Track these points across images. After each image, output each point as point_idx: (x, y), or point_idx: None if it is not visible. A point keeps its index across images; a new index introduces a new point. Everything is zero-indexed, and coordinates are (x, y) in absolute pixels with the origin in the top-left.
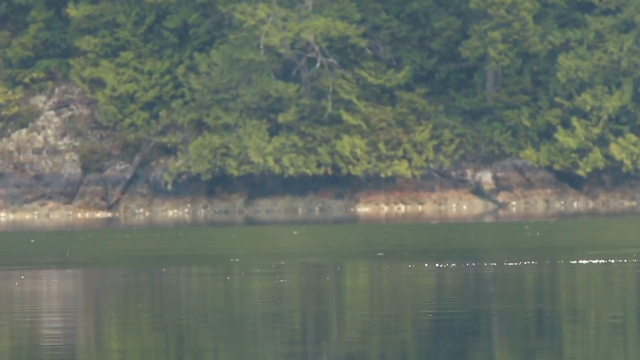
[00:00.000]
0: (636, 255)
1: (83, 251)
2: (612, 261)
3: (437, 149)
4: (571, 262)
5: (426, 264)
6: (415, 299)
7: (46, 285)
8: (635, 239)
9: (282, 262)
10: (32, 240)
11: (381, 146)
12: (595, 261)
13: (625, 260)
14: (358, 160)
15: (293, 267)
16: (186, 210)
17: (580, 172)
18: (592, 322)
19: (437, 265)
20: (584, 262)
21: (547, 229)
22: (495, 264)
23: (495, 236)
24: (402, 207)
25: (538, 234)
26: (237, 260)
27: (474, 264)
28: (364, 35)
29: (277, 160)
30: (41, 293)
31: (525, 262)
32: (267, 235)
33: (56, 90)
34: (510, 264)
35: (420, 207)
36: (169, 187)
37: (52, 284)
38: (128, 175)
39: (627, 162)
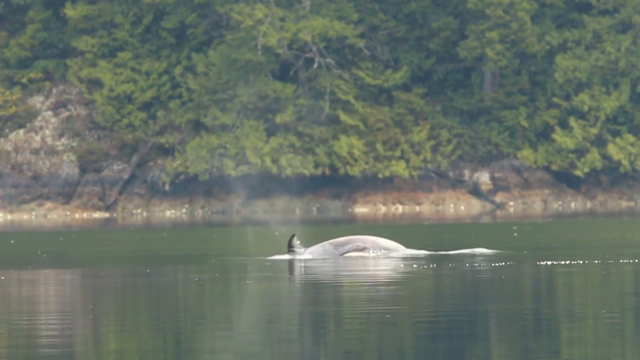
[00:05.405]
0: (610, 256)
1: (61, 252)
2: (580, 262)
3: (434, 150)
4: (539, 262)
5: (402, 265)
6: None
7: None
8: (619, 239)
9: (239, 262)
10: (12, 241)
11: (379, 146)
12: (564, 262)
13: (598, 261)
14: (356, 160)
15: (249, 268)
16: (184, 210)
17: (578, 173)
18: (546, 319)
19: (401, 265)
20: (552, 263)
21: (534, 229)
22: (475, 265)
23: (483, 237)
24: (400, 208)
25: (515, 234)
26: (212, 261)
27: (452, 265)
28: (362, 35)
29: (274, 161)
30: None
31: (503, 263)
32: (251, 235)
33: (54, 90)
34: (486, 264)
35: (417, 208)
36: (167, 187)
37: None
38: (126, 176)
39: (625, 162)
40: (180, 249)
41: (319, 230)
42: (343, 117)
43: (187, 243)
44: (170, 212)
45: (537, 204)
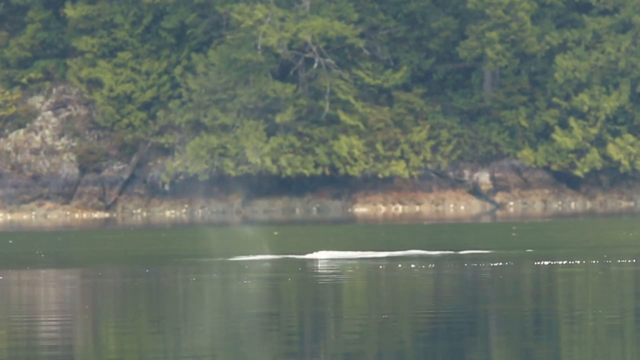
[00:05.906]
0: (609, 256)
1: (61, 252)
2: (579, 262)
3: (434, 150)
4: (537, 262)
5: (381, 266)
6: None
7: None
8: (619, 239)
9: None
10: (10, 241)
11: (379, 146)
12: (562, 262)
13: (596, 262)
14: (355, 160)
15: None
16: (184, 210)
17: (577, 173)
18: (546, 320)
19: (400, 266)
20: (550, 263)
21: (533, 229)
22: (465, 265)
23: (479, 237)
24: (400, 208)
25: (514, 235)
26: (209, 260)
27: (451, 265)
28: (362, 35)
29: (274, 161)
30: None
31: (497, 264)
32: (245, 235)
33: (54, 90)
34: (477, 265)
35: (417, 208)
36: (167, 187)
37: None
38: (125, 176)
39: (625, 162)
40: (178, 249)
41: (293, 230)
42: (343, 117)
43: (186, 243)
44: (170, 212)
45: (537, 204)
